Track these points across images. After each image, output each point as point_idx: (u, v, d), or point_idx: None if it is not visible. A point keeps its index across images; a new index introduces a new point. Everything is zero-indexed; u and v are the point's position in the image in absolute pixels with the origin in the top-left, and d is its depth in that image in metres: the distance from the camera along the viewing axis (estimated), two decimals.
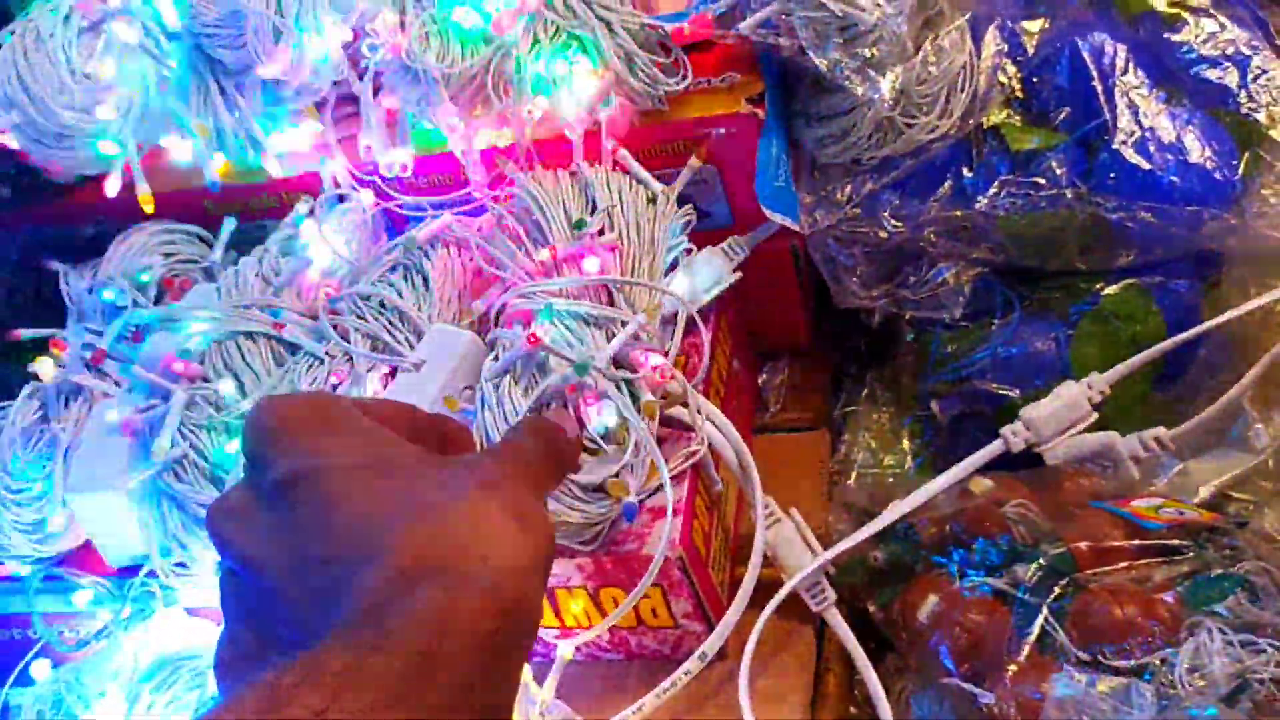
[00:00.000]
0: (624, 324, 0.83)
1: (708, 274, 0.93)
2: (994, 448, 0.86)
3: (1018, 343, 0.96)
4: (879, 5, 0.86)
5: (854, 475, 1.00)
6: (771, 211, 0.92)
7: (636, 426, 0.78)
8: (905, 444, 1.03)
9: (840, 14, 0.86)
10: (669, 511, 0.78)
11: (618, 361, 0.82)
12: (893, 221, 0.95)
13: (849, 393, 1.06)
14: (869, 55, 0.87)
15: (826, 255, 0.97)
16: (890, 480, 1.00)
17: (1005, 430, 0.85)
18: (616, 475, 0.77)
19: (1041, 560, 0.81)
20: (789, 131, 0.96)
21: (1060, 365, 0.94)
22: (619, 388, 0.80)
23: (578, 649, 0.84)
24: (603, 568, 0.81)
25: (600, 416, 0.79)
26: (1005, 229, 0.94)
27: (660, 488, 0.81)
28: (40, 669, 0.94)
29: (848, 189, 0.95)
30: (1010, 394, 0.96)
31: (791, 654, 0.88)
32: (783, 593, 0.83)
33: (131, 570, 0.91)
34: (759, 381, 1.06)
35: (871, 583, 0.90)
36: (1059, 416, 0.84)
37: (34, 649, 0.93)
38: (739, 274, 0.94)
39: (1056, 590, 0.80)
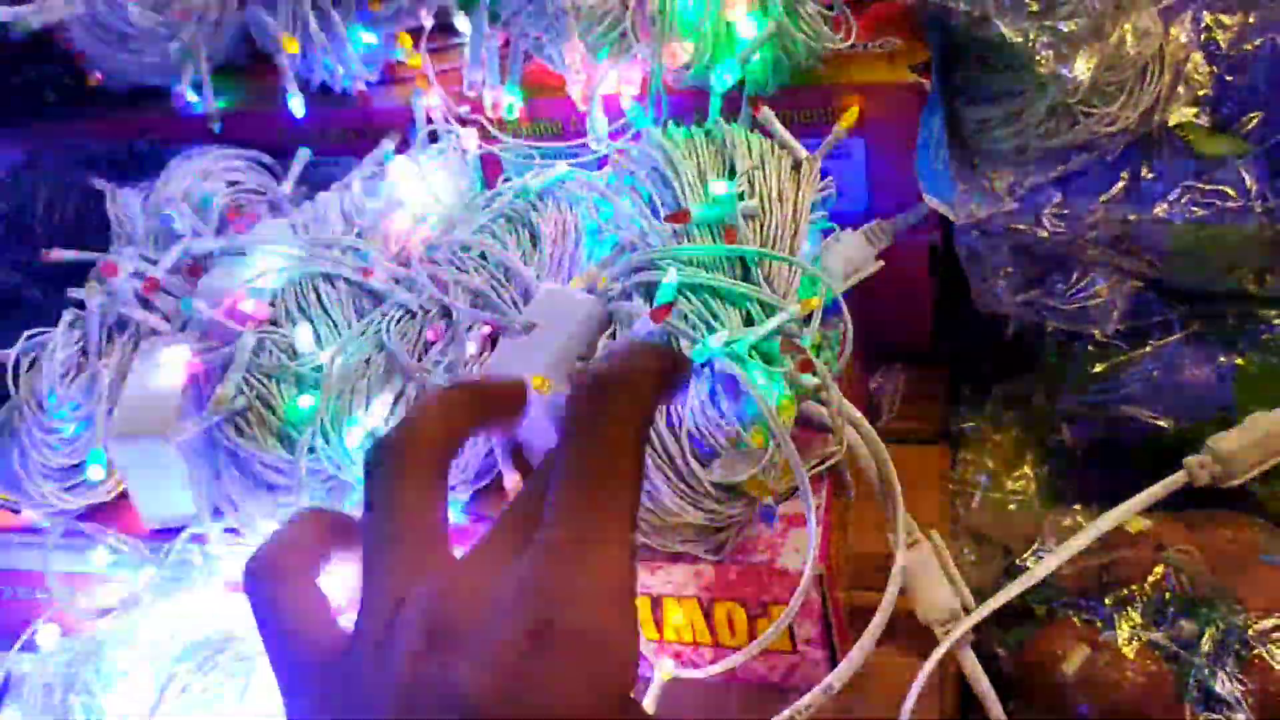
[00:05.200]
0: (764, 305, 0.73)
1: (848, 258, 0.83)
2: (1175, 480, 0.76)
3: (1175, 369, 0.86)
4: None
5: (976, 499, 0.90)
6: (930, 196, 0.82)
7: (777, 426, 0.68)
8: (1028, 469, 0.93)
9: None
10: (810, 521, 0.68)
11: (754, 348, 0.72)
12: (1054, 220, 0.85)
13: (969, 406, 0.96)
14: (1065, 29, 0.77)
15: (973, 252, 0.87)
16: (1013, 508, 0.90)
17: (1191, 461, 0.75)
18: (757, 474, 0.67)
19: (1219, 622, 0.72)
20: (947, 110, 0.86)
21: (1222, 399, 0.85)
22: (757, 379, 0.69)
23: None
24: (725, 579, 0.71)
25: (737, 405, 0.68)
26: (1178, 240, 0.84)
27: (794, 492, 0.71)
28: (47, 635, 0.83)
29: (1008, 180, 0.85)
30: (1161, 424, 0.86)
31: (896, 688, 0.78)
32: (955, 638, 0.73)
33: (166, 534, 0.80)
34: (872, 385, 0.96)
35: (997, 620, 0.80)
36: (1253, 450, 0.74)
37: (46, 614, 0.82)
38: (881, 263, 0.84)
39: (1234, 658, 0.71)
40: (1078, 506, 0.87)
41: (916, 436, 0.95)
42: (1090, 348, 0.89)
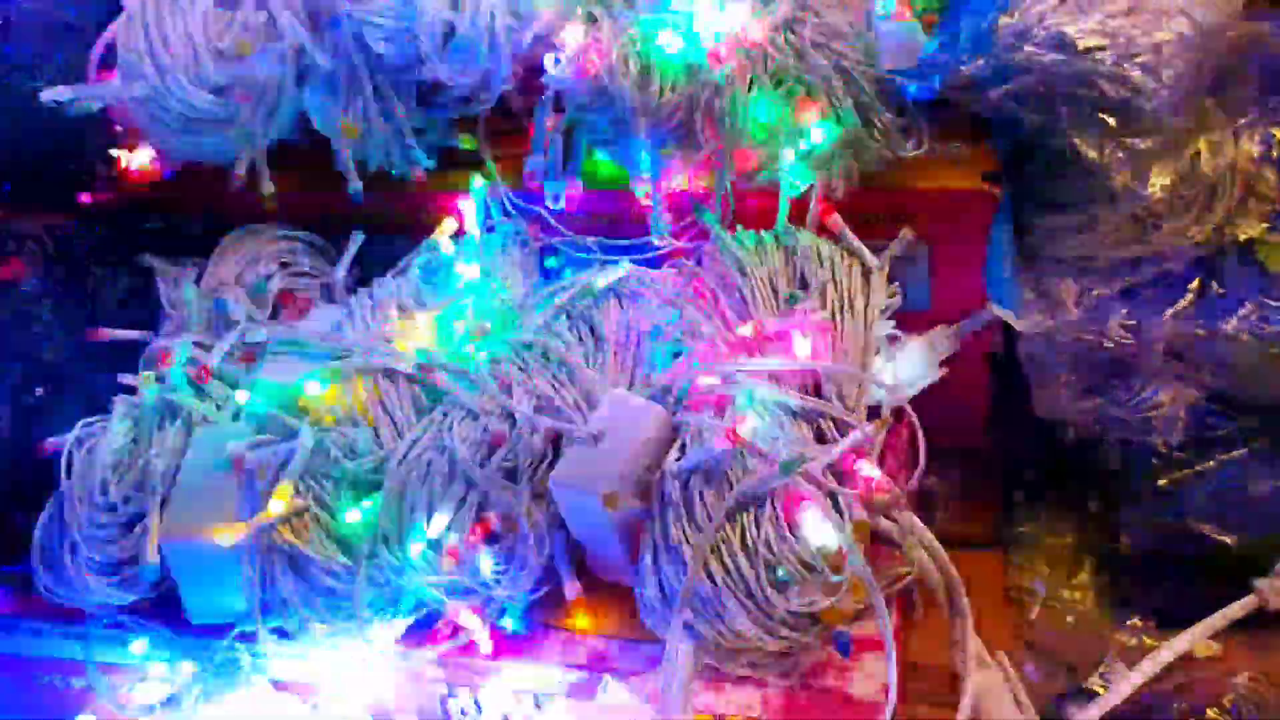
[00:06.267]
0: (836, 422, 0.72)
1: (913, 367, 0.82)
2: (1246, 604, 0.75)
3: (1240, 485, 0.85)
4: (1158, 90, 0.76)
5: (1034, 610, 0.88)
6: (997, 305, 0.81)
7: (854, 556, 0.66)
8: (1085, 577, 0.91)
9: (1115, 96, 0.76)
10: (891, 660, 0.66)
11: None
12: (1120, 331, 0.84)
13: (1023, 510, 0.95)
14: (1141, 145, 0.76)
15: (1036, 359, 0.86)
16: (1071, 619, 0.89)
17: (1263, 584, 0.74)
18: (835, 603, 0.66)
19: None
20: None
21: None
22: (833, 502, 0.68)
23: None
24: (795, 703, 0.70)
25: (814, 530, 0.67)
26: (1246, 356, 0.83)
27: (862, 613, 0.69)
28: None
29: (1074, 289, 0.84)
30: (1225, 540, 0.85)
31: None
32: None
33: (214, 630, 0.78)
34: (925, 485, 0.95)
35: None
36: None
37: (88, 707, 0.80)
38: (944, 370, 0.83)
39: None
40: (1137, 621, 0.87)
41: (970, 540, 0.93)
42: (1154, 459, 0.87)
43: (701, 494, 0.68)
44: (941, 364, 0.84)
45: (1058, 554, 0.92)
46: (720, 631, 0.66)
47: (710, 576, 0.66)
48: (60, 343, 0.88)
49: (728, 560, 0.66)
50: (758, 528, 0.66)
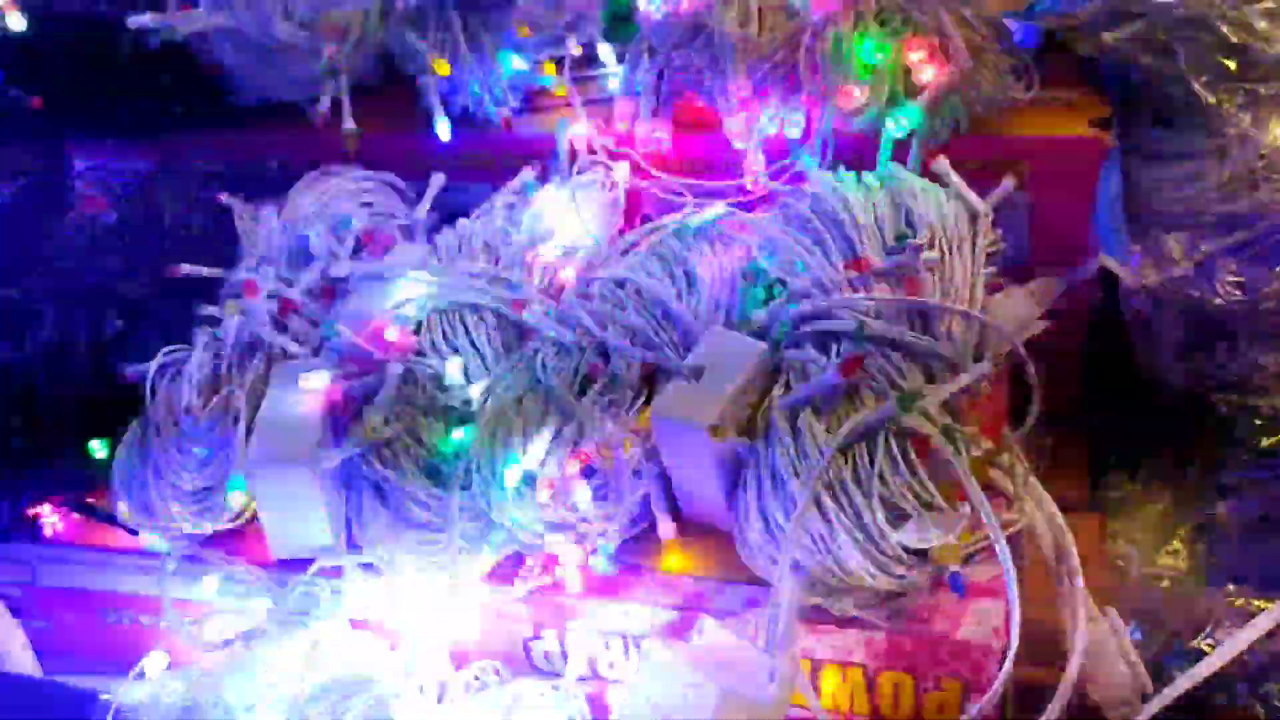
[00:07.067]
0: (945, 361, 0.70)
1: (1015, 315, 0.79)
2: None
3: None
4: None
5: (1130, 574, 0.85)
6: (1107, 256, 0.79)
7: (973, 490, 0.64)
8: (1179, 544, 0.88)
9: (1236, 41, 0.73)
10: (1011, 591, 0.64)
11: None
12: (1229, 288, 0.81)
13: (1116, 474, 0.92)
14: (1263, 92, 0.74)
15: (1139, 315, 0.84)
16: (1167, 585, 0.86)
17: None
18: (951, 540, 0.63)
19: None
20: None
21: None
22: (950, 438, 0.66)
23: None
24: (898, 648, 0.67)
25: (928, 465, 0.65)
26: None
27: (970, 559, 0.67)
28: (154, 664, 0.79)
29: (1182, 244, 0.82)
30: None
31: None
32: None
33: (290, 565, 0.76)
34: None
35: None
36: None
37: (161, 642, 0.78)
38: (1046, 322, 0.81)
39: None
40: (1234, 588, 0.84)
41: (1063, 503, 0.91)
42: (1257, 421, 0.85)
43: (811, 427, 0.66)
44: (1040, 316, 0.82)
45: (1153, 518, 0.89)
46: (829, 568, 0.64)
47: (821, 510, 0.63)
48: (138, 278, 0.87)
49: (840, 494, 0.63)
50: (871, 461, 0.64)
